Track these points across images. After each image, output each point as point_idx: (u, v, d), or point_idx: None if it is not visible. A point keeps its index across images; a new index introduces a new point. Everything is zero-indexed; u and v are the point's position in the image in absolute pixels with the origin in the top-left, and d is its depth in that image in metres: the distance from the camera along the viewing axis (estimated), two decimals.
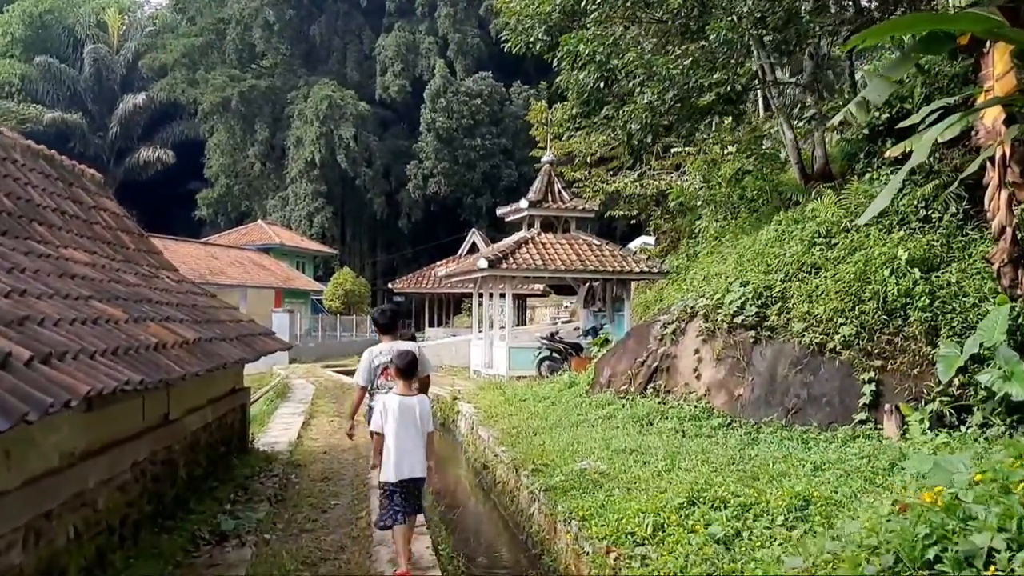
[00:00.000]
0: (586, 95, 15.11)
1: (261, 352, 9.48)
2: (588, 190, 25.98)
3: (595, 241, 21.41)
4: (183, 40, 55.29)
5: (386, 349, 7.33)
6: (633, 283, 22.19)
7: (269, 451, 11.85)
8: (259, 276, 41.92)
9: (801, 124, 16.77)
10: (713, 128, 16.90)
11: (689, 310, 13.62)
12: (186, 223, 56.27)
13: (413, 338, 8.80)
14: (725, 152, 22.83)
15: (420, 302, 45.79)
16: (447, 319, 44.06)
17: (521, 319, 35.60)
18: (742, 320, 12.66)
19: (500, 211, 22.74)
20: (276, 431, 14.02)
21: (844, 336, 11.47)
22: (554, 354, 20.26)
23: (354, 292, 44.07)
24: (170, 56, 55.05)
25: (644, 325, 14.68)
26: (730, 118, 16.94)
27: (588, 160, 27.10)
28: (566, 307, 41.17)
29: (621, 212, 25.36)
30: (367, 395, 7.52)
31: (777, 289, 12.80)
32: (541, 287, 36.12)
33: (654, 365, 13.66)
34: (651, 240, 29.53)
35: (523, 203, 21.15)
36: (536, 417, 13.42)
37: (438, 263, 26.79)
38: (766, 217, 19.11)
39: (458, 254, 32.88)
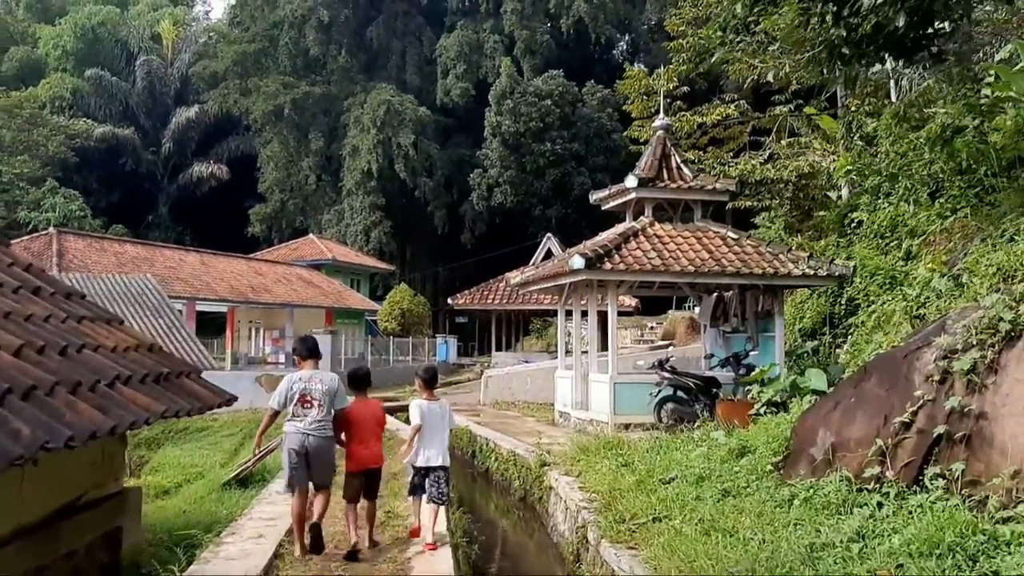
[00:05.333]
0: None
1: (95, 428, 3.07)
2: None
3: (731, 233, 14.69)
4: (234, 47, 50.15)
5: (306, 376, 7.07)
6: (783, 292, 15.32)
7: None
8: (307, 294, 36.15)
9: None
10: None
11: (1006, 326, 6.87)
12: (240, 241, 51.03)
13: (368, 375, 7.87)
14: (877, 122, 16.07)
15: (485, 321, 39.26)
16: (516, 341, 37.46)
17: (603, 342, 28.91)
18: None
19: (595, 196, 16.17)
20: (243, 538, 7.63)
21: None
22: (679, 392, 13.58)
23: (412, 312, 37.84)
24: (221, 64, 50.04)
25: (894, 355, 7.90)
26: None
27: (696, 140, 20.46)
28: (651, 328, 34.23)
29: (748, 203, 18.67)
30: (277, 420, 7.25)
31: None
32: (634, 302, 29.29)
33: (935, 431, 6.91)
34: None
35: (630, 181, 14.58)
36: (718, 531, 6.75)
37: (509, 273, 20.80)
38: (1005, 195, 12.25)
39: (531, 263, 26.54)
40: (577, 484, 9.46)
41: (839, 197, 20.06)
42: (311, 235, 45.11)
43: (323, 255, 40.88)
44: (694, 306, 35.64)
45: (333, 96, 48.88)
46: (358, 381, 7.60)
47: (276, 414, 7.05)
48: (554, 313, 35.40)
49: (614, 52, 54.96)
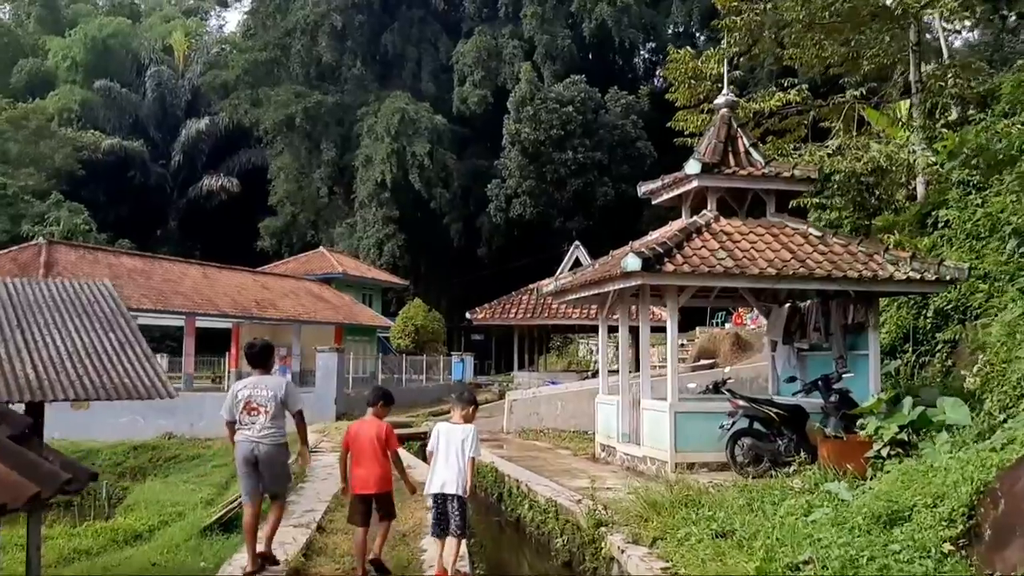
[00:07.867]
0: None
1: None
2: None
3: (813, 231, 11.97)
4: (245, 56, 48.03)
5: (250, 383, 6.87)
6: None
7: None
8: (316, 310, 33.55)
9: None
10: None
11: None
12: (250, 255, 48.67)
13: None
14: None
15: (502, 337, 36.48)
16: (536, 358, 34.71)
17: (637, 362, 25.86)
18: None
19: (644, 187, 13.49)
20: None
21: None
22: (756, 425, 10.82)
23: (426, 328, 35.22)
24: (232, 74, 48.00)
25: None
26: None
27: (750, 131, 17.77)
28: (682, 345, 31.37)
29: (816, 200, 15.99)
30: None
31: None
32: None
33: None
34: None
35: (691, 167, 11.88)
36: None
37: (540, 282, 18.23)
38: None
39: (558, 272, 23.91)
40: (657, 561, 6.70)
41: (909, 195, 17.35)
42: (322, 248, 42.67)
43: (334, 269, 38.40)
44: (724, 321, 32.78)
45: (346, 105, 46.59)
46: (371, 399, 7.14)
47: (231, 424, 6.83)
48: (582, 328, 32.80)
49: (636, 60, 52.48)
